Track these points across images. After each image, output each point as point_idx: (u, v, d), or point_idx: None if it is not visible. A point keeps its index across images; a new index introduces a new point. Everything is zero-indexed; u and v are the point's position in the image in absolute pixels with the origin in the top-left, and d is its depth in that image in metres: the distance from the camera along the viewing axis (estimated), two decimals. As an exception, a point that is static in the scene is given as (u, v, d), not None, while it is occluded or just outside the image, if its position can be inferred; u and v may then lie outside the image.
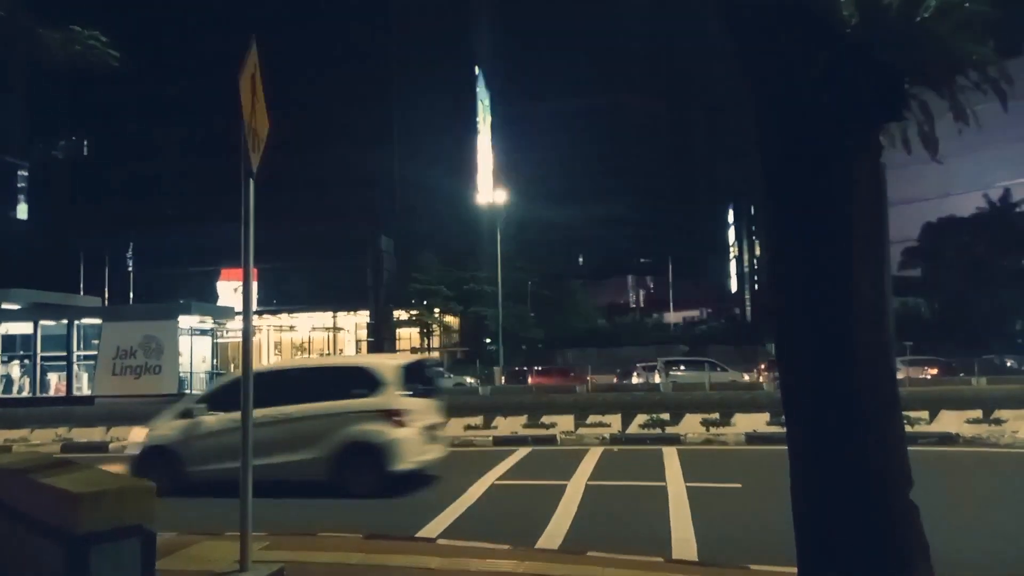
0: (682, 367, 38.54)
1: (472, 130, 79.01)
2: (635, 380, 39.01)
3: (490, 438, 18.52)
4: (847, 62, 3.17)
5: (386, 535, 8.64)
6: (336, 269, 59.29)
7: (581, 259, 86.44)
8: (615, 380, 39.81)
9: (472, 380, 37.91)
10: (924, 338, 49.97)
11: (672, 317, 74.74)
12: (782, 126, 3.32)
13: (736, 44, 3.57)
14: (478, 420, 20.36)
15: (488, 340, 51.50)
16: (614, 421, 19.42)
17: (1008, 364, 42.46)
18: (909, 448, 11.47)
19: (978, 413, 18.60)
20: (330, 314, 62.46)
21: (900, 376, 36.84)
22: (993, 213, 57.73)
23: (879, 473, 3.04)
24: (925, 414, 18.55)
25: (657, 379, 36.36)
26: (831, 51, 3.19)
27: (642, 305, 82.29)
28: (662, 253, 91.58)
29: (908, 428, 16.89)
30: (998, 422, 17.52)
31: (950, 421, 17.79)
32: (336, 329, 62.86)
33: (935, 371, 39.09)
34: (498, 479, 13.13)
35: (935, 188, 76.41)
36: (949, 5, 3.20)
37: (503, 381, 39.77)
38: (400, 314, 60.35)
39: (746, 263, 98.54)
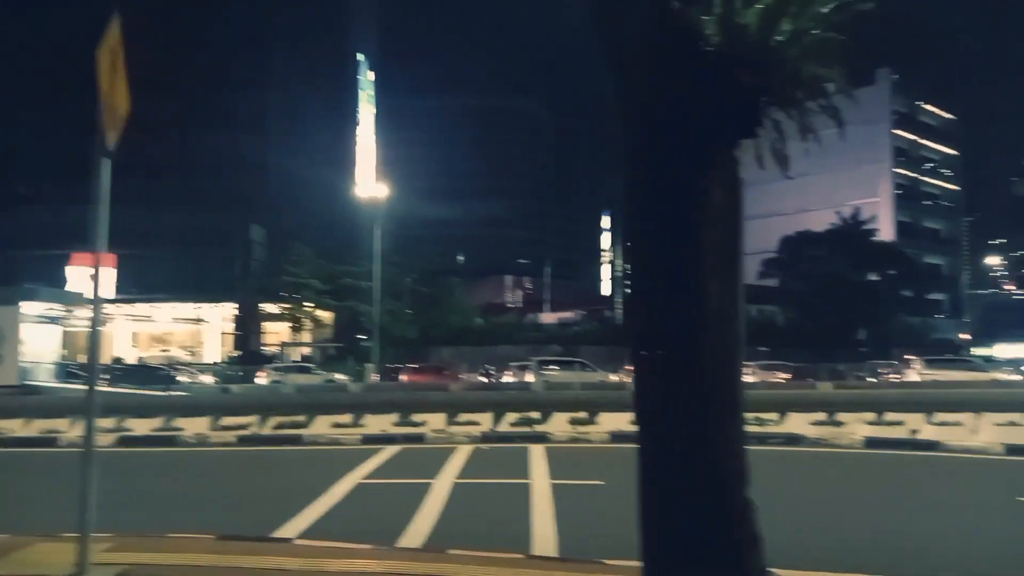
0: (555, 367, 39.29)
1: (353, 120, 77.54)
2: (508, 379, 39.42)
3: (358, 436, 18.22)
4: (708, 79, 3.30)
5: (240, 536, 8.30)
6: (202, 258, 56.61)
7: (461, 257, 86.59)
8: (483, 379, 40.08)
9: (343, 377, 37.19)
10: (779, 344, 53.17)
11: (548, 318, 76.08)
12: (643, 137, 3.42)
13: (603, 52, 3.65)
14: (347, 418, 19.99)
15: (362, 336, 50.67)
16: (485, 420, 19.54)
17: (853, 371, 45.78)
18: (759, 448, 12.22)
19: (823, 416, 19.90)
20: (193, 306, 59.60)
21: (755, 380, 39.14)
22: (844, 230, 62.13)
23: (719, 471, 3.19)
24: (775, 416, 19.69)
25: (530, 378, 36.91)
26: (693, 67, 3.31)
27: (519, 305, 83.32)
28: (540, 255, 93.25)
29: (759, 428, 17.97)
30: (839, 424, 18.82)
31: (797, 422, 18.97)
32: (198, 321, 60.07)
33: (787, 376, 41.64)
34: (364, 478, 12.93)
35: (794, 204, 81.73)
36: (801, 30, 3.39)
37: (376, 379, 39.24)
38: (270, 308, 58.39)
39: (618, 267, 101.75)
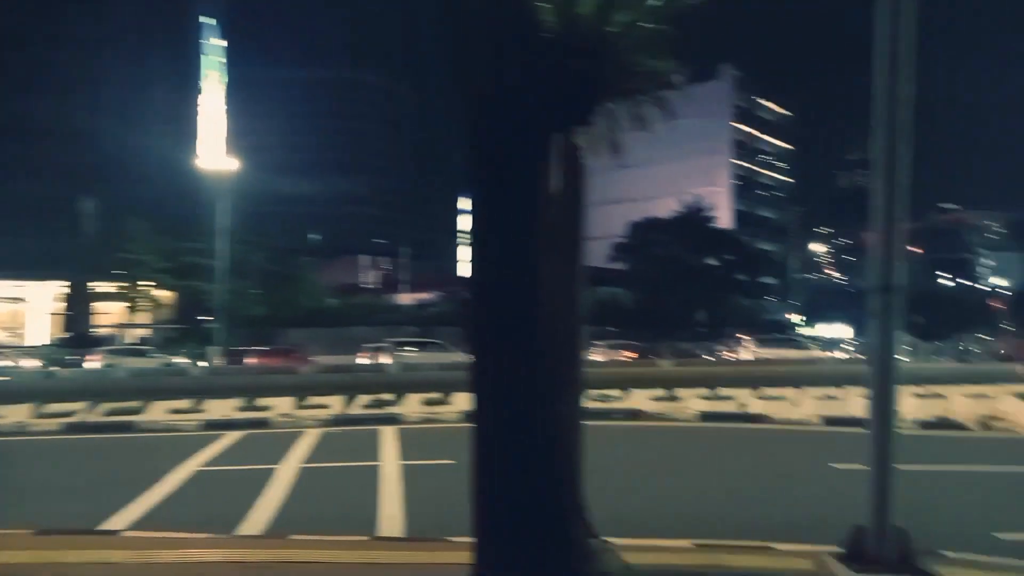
0: (411, 348, 39.09)
1: (196, 88, 73.24)
2: (362, 361, 38.84)
3: (198, 422, 17.39)
4: (545, 64, 3.36)
5: (62, 530, 7.75)
6: (25, 232, 51.84)
7: (314, 236, 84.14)
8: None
9: (184, 360, 35.29)
10: (626, 324, 55.47)
11: (405, 299, 75.47)
12: (481, 117, 3.45)
13: (445, 30, 3.64)
14: (187, 404, 19.01)
15: (206, 318, 48.24)
16: (336, 402, 19.18)
17: (693, 349, 48.45)
18: (603, 423, 12.71)
19: (663, 391, 20.96)
20: (14, 283, 54.54)
21: (603, 358, 40.67)
22: (687, 217, 65.47)
23: (550, 445, 3.30)
24: (619, 392, 20.54)
25: (386, 360, 36.55)
26: (531, 52, 3.36)
27: (376, 286, 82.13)
28: (398, 235, 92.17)
29: (604, 404, 18.71)
30: (676, 399, 19.90)
31: (639, 398, 19.88)
32: (16, 300, 55.09)
33: (633, 354, 43.49)
34: (203, 465, 12.38)
35: (643, 191, 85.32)
36: (633, 22, 3.51)
37: (221, 362, 37.52)
38: (104, 287, 54.39)
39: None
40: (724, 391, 20.90)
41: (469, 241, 3.59)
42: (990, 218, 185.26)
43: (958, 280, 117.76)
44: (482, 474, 3.36)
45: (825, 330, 74.15)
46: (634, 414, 18.37)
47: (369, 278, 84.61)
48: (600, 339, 48.14)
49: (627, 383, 22.33)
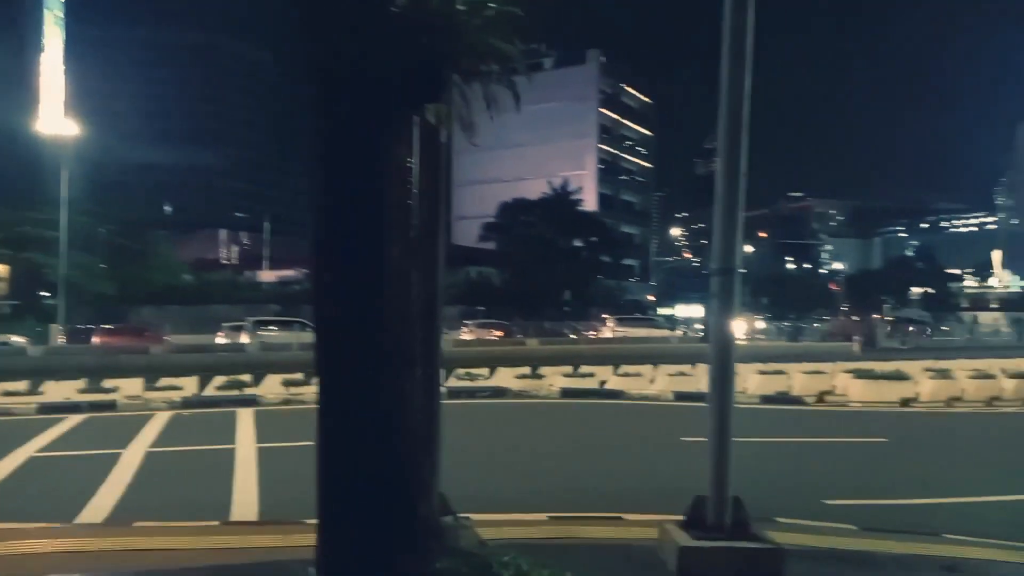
0: (273, 327, 37.81)
1: (37, 47, 67.27)
2: (220, 340, 37.25)
3: (35, 405, 16.15)
4: (391, 39, 3.30)
5: None
6: None
7: (168, 208, 79.55)
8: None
9: (20, 339, 32.61)
10: (495, 304, 56.08)
11: (267, 276, 72.82)
12: (325, 90, 3.35)
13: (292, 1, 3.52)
14: (22, 386, 17.62)
15: (45, 293, 44.70)
16: (190, 384, 18.33)
17: (558, 328, 49.62)
18: (469, 401, 12.81)
19: (528, 369, 21.38)
20: None
21: (471, 337, 40.98)
22: (554, 199, 66.69)
23: (397, 425, 3.29)
24: (486, 371, 20.77)
25: (245, 339, 35.21)
26: (377, 25, 3.29)
27: (235, 262, 78.70)
28: (260, 209, 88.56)
29: (470, 383, 18.87)
30: (540, 377, 20.33)
31: (505, 376, 20.18)
32: None
33: (500, 333, 44.05)
34: (38, 451, 11.54)
35: (513, 172, 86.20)
36: (482, 3, 3.51)
37: (63, 341, 34.94)
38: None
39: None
40: (586, 369, 21.56)
41: (313, 217, 3.50)
42: (832, 206, 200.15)
43: (802, 264, 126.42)
44: (327, 454, 3.31)
45: (682, 310, 77.82)
46: (499, 392, 18.63)
47: (229, 254, 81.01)
48: (469, 318, 48.45)
49: (494, 362, 22.67)
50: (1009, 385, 18.62)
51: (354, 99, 3.24)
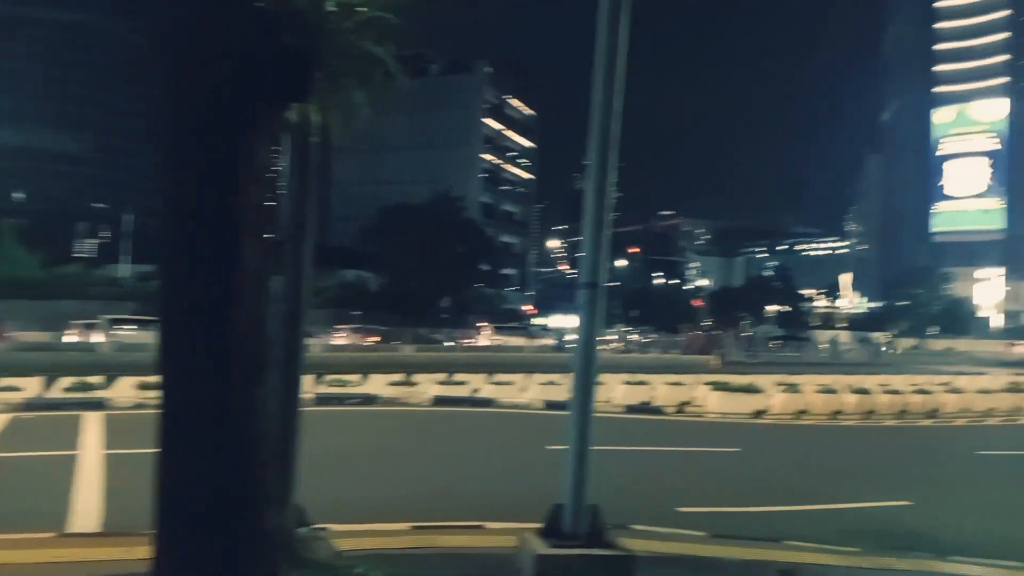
0: (131, 326, 35.65)
1: None
2: (69, 339, 34.83)
3: None
4: (254, 35, 3.19)
5: None
6: None
7: (18, 195, 73.75)
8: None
9: None
10: (372, 308, 55.21)
11: (127, 271, 68.68)
12: (181, 84, 3.20)
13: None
14: None
15: None
16: (33, 384, 17.01)
17: (435, 335, 49.47)
18: (336, 408, 12.46)
19: (401, 376, 21.15)
20: None
21: (346, 342, 40.18)
22: (437, 205, 66.47)
23: (241, 434, 3.16)
24: (358, 376, 20.38)
25: (97, 338, 33.11)
26: (240, 20, 3.17)
27: (91, 255, 73.71)
28: (121, 199, 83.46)
29: (338, 389, 18.47)
30: (413, 384, 20.14)
31: (378, 383, 19.87)
32: None
33: (376, 338, 43.44)
34: None
35: (396, 175, 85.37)
36: (351, 4, 3.45)
37: None
38: None
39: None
40: (460, 376, 21.57)
41: (163, 212, 3.32)
42: (699, 225, 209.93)
43: (670, 279, 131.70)
44: (164, 462, 3.14)
45: (559, 321, 79.38)
46: (370, 399, 18.34)
47: (84, 246, 75.88)
48: (344, 322, 47.51)
49: (368, 368, 22.31)
50: (851, 400, 20.05)
51: (210, 93, 3.10)
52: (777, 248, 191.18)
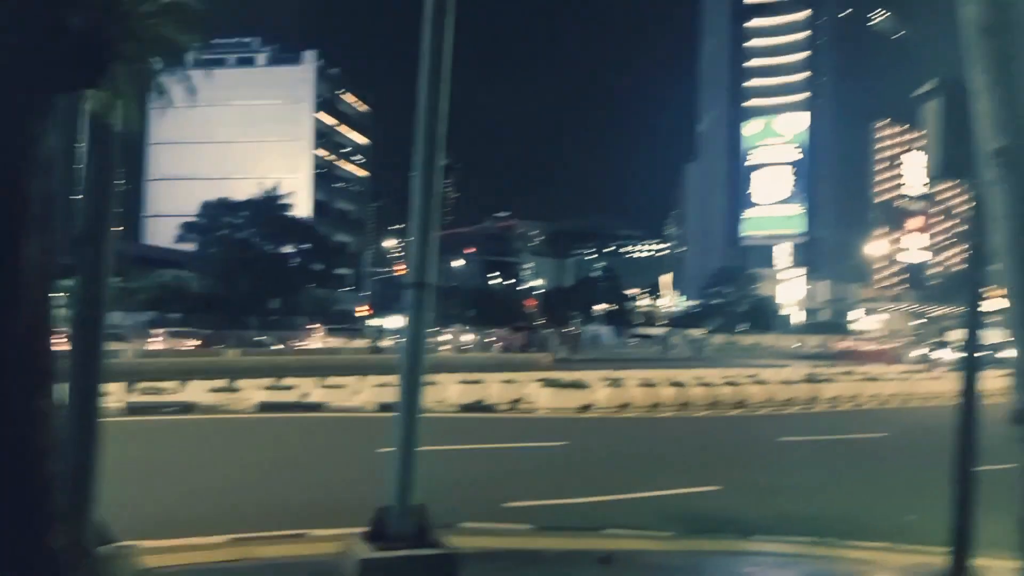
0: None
1: None
2: None
3: None
4: (40, 17, 2.91)
5: None
6: None
7: None
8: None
9: None
10: (193, 311, 52.21)
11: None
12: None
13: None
14: None
15: None
16: None
17: (262, 338, 47.50)
18: (151, 418, 11.64)
19: (223, 382, 20.13)
20: None
21: (162, 347, 37.71)
22: (265, 201, 63.77)
23: (19, 448, 2.88)
24: (175, 384, 19.21)
25: None
26: (22, 7, 2.89)
27: None
28: None
29: (152, 398, 17.32)
30: (236, 390, 19.22)
31: (197, 390, 18.80)
32: None
33: (197, 343, 41.10)
34: None
35: (219, 169, 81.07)
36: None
37: None
38: None
39: None
40: (289, 381, 20.84)
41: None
42: (534, 227, 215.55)
43: (506, 280, 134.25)
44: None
45: (395, 322, 78.65)
46: (188, 407, 17.31)
47: None
48: (161, 326, 44.63)
49: (186, 374, 21.08)
50: (669, 393, 21.32)
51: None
52: (605, 250, 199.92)
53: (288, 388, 19.92)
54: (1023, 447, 2.85)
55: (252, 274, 57.59)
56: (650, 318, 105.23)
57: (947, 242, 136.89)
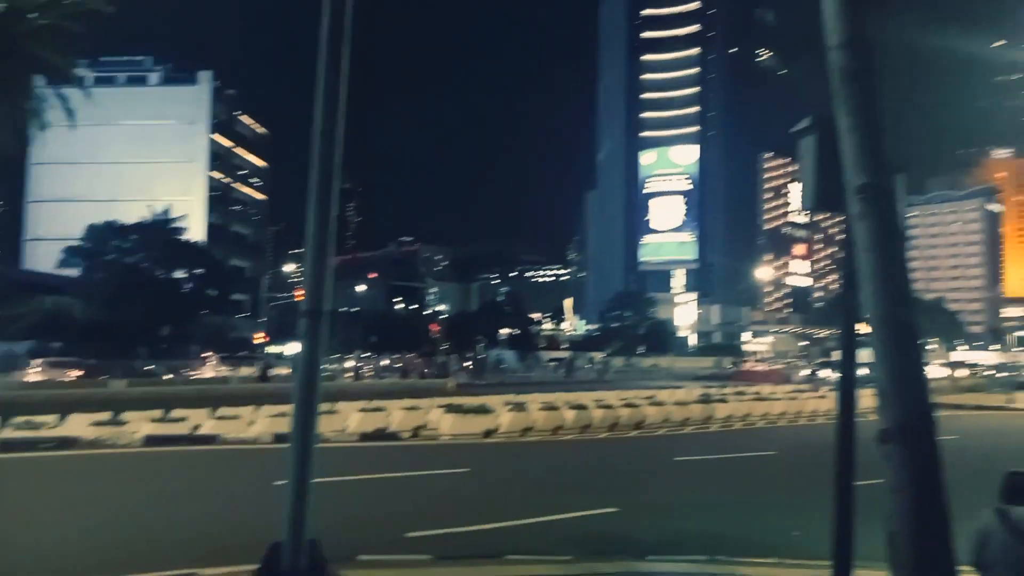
0: None
1: None
2: None
3: None
4: None
5: None
6: None
7: None
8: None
9: None
10: (77, 339, 49.29)
11: None
12: None
13: None
14: None
15: None
16: None
17: (152, 368, 45.32)
18: (27, 454, 10.93)
19: (108, 415, 19.06)
20: None
21: (40, 378, 35.45)
22: (155, 224, 61.07)
23: None
24: (54, 418, 18.05)
25: None
26: None
27: None
28: None
29: (30, 432, 16.24)
30: (121, 423, 18.22)
31: (78, 424, 17.72)
32: None
33: (79, 373, 38.85)
34: None
35: (107, 191, 77.20)
36: (22, 11, 3.08)
37: None
38: None
39: None
40: (180, 412, 19.94)
41: None
42: (438, 252, 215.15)
43: (410, 305, 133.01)
44: None
45: (293, 348, 76.53)
46: (68, 442, 16.28)
47: None
48: (42, 355, 41.99)
49: (68, 407, 19.85)
50: (570, 416, 21.56)
51: None
52: (509, 274, 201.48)
53: (178, 420, 19.06)
54: (890, 465, 3.02)
55: (141, 300, 54.85)
56: (553, 342, 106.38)
57: (828, 268, 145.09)
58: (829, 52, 3.18)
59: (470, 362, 56.99)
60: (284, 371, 46.87)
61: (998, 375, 52.87)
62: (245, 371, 44.26)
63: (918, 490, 2.95)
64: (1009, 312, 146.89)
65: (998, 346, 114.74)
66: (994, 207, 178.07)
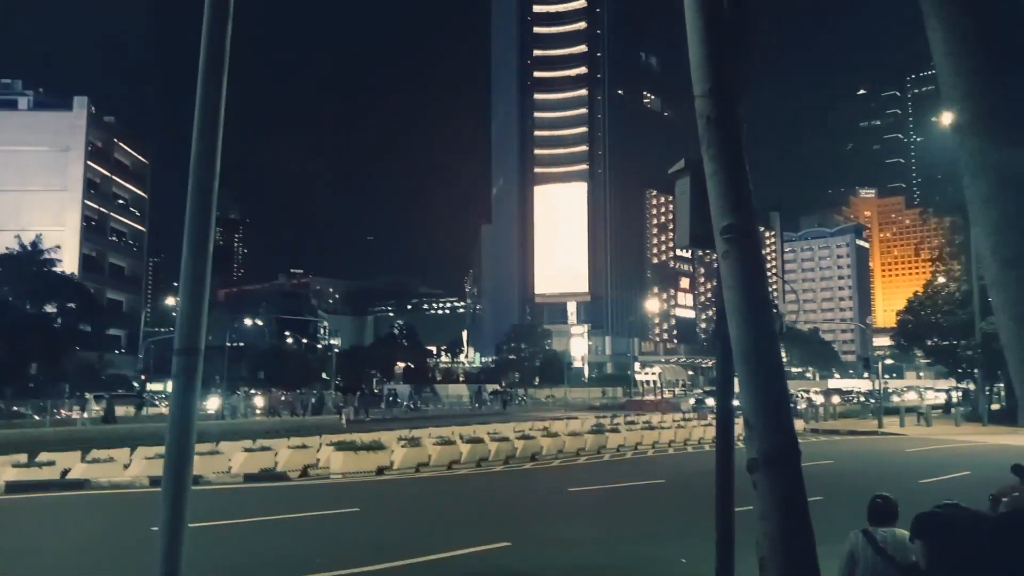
0: None
1: None
2: None
3: None
4: None
5: None
6: None
7: None
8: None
9: None
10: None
11: None
12: None
13: None
14: None
15: None
16: None
17: (18, 409, 42.08)
18: None
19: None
20: None
21: None
22: (22, 256, 57.28)
23: None
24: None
25: None
26: None
27: None
28: None
29: None
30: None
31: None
32: None
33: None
34: None
35: (-29, 221, 71.87)
36: None
37: None
38: None
39: None
40: (47, 456, 18.57)
41: None
42: (330, 285, 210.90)
43: (301, 339, 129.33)
44: None
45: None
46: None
47: None
48: None
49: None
50: (465, 449, 21.41)
51: None
52: (406, 307, 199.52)
53: (46, 465, 17.73)
54: (758, 492, 3.14)
55: (6, 336, 51.08)
56: (450, 374, 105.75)
57: (711, 300, 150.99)
58: (696, 100, 3.35)
59: (362, 397, 55.62)
60: (164, 410, 44.57)
61: (870, 401, 56.14)
62: (123, 411, 41.72)
63: (783, 516, 3.08)
64: (880, 341, 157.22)
65: (867, 374, 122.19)
66: (862, 243, 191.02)
